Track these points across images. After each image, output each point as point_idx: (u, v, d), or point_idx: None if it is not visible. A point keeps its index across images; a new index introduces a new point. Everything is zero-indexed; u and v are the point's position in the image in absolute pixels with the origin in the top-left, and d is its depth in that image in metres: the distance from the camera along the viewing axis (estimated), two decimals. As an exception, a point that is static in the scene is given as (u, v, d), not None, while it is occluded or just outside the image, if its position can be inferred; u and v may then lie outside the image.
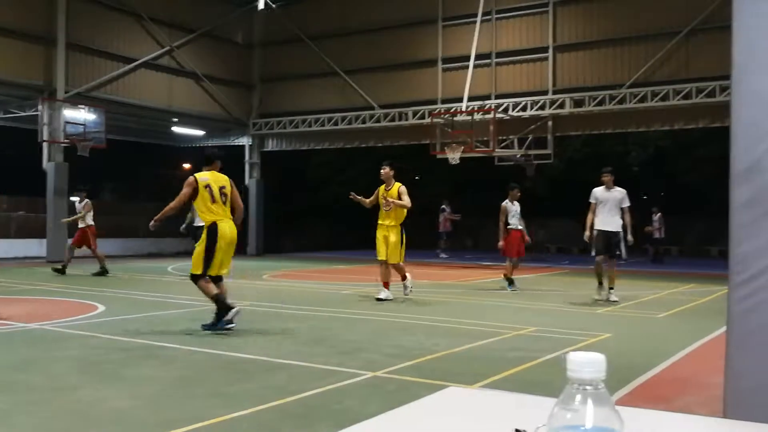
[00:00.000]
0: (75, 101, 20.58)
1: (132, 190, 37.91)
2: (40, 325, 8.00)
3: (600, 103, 19.89)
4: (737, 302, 3.23)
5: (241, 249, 25.86)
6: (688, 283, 15.53)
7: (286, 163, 32.54)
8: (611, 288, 11.25)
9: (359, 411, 4.51)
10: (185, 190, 7.93)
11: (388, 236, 11.05)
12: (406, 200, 11.06)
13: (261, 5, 25.49)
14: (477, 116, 20.34)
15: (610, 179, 11.12)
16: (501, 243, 13.29)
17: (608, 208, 11.01)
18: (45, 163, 20.31)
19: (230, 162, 30.39)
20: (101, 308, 9.63)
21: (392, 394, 5.02)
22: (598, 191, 11.15)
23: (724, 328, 3.57)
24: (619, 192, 11.05)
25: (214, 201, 7.88)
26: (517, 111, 21.05)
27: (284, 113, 25.37)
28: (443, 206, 25.95)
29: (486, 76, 21.67)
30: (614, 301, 10.99)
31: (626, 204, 11.03)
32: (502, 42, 21.68)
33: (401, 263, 11.23)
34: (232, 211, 8.19)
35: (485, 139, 20.09)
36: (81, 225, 15.28)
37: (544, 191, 32.24)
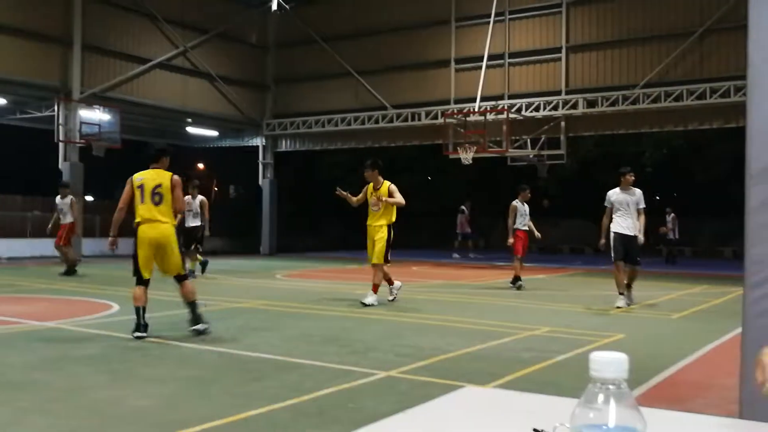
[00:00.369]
0: (90, 102, 20.73)
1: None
2: (57, 324, 8.07)
3: (613, 104, 19.81)
4: (752, 304, 3.22)
5: (254, 248, 26.11)
6: (702, 284, 15.44)
7: (299, 163, 32.62)
8: (629, 285, 10.68)
9: (373, 411, 4.52)
10: (125, 189, 7.60)
11: (376, 238, 10.62)
12: (399, 197, 10.69)
13: (275, 6, 25.57)
14: (490, 116, 20.31)
15: (632, 179, 10.60)
16: (511, 240, 13.45)
17: (627, 210, 10.44)
18: (61, 163, 20.48)
19: (244, 162, 30.59)
20: (116, 307, 9.69)
21: (406, 394, 5.03)
22: (614, 194, 10.57)
23: (738, 330, 3.56)
24: (636, 193, 10.53)
25: (142, 202, 7.45)
26: (530, 111, 21.00)
27: (298, 114, 25.44)
28: (462, 207, 25.76)
29: (499, 77, 21.64)
30: (628, 304, 10.49)
31: (642, 205, 10.54)
32: (515, 42, 21.64)
33: (385, 266, 10.67)
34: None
35: (498, 139, 20.07)
36: (63, 221, 15.17)
37: (556, 191, 32.15)
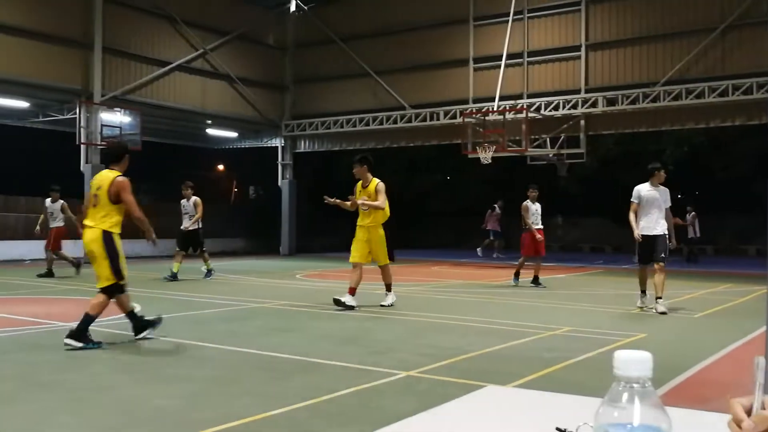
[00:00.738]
0: (111, 104, 20.92)
1: (166, 192, 38.38)
2: (80, 325, 8.13)
3: (633, 102, 19.66)
4: (777, 302, 3.18)
5: (273, 249, 26.21)
6: (725, 282, 15.29)
7: (318, 163, 32.71)
8: (659, 297, 9.75)
9: (394, 410, 4.53)
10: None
11: (370, 238, 10.11)
12: (381, 200, 9.96)
13: (293, 7, 25.66)
14: (509, 116, 20.24)
15: (665, 176, 10.00)
16: (540, 237, 13.59)
17: (653, 209, 9.80)
18: (82, 165, 20.69)
19: (263, 163, 30.69)
20: (137, 308, 9.76)
21: (426, 394, 5.03)
22: (643, 189, 9.88)
23: (763, 329, 3.53)
24: (664, 191, 9.95)
25: (87, 206, 7.01)
26: (550, 110, 20.90)
27: (316, 114, 25.50)
28: (495, 205, 25.50)
29: (518, 75, 21.55)
30: (662, 312, 9.63)
31: (668, 204, 9.98)
32: (534, 41, 21.54)
33: (389, 266, 10.26)
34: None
35: (517, 138, 20.00)
36: (52, 225, 15.20)
37: (576, 190, 31.98)
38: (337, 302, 9.72)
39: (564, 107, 20.73)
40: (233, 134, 27.88)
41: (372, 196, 10.04)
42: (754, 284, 14.09)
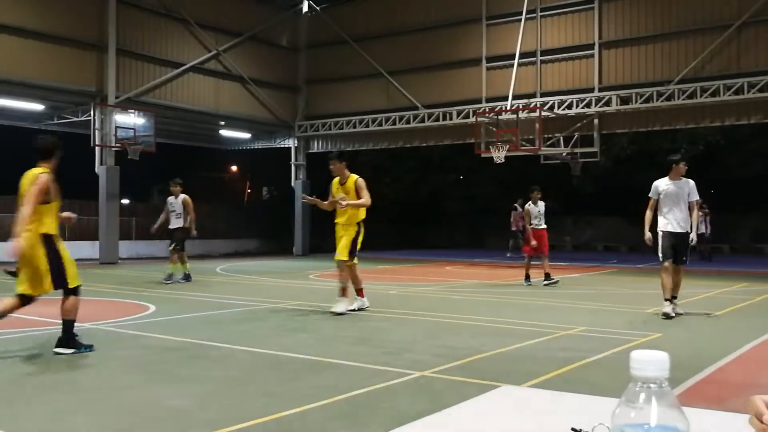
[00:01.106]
0: (125, 106, 21.04)
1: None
2: (95, 326, 8.19)
3: (647, 100, 19.54)
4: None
5: (287, 249, 26.28)
6: (741, 281, 15.18)
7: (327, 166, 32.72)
8: (674, 297, 9.34)
9: (408, 410, 4.52)
10: None
11: (344, 235, 9.63)
12: (365, 198, 9.38)
13: (305, 8, 25.71)
14: (522, 115, 20.18)
15: (685, 168, 9.33)
16: (534, 243, 13.93)
17: (675, 204, 9.13)
18: (97, 167, 20.83)
19: (277, 164, 30.80)
20: (152, 308, 9.82)
21: (440, 394, 5.02)
22: (662, 184, 9.25)
23: (781, 328, 3.49)
24: (687, 184, 9.23)
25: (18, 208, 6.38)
26: (563, 109, 20.82)
27: (329, 115, 25.54)
28: (516, 204, 25.36)
29: (531, 74, 21.49)
30: (678, 314, 9.21)
31: (695, 197, 9.26)
32: (547, 40, 21.46)
33: (353, 265, 9.70)
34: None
35: (530, 137, 19.94)
36: None
37: (590, 189, 31.86)
38: (352, 310, 9.46)
39: (577, 106, 20.64)
40: (246, 135, 27.97)
41: (351, 193, 9.43)
42: (771, 283, 13.96)
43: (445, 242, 35.96)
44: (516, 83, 20.54)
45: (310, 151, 26.99)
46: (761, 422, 0.89)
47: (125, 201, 26.05)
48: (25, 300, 6.41)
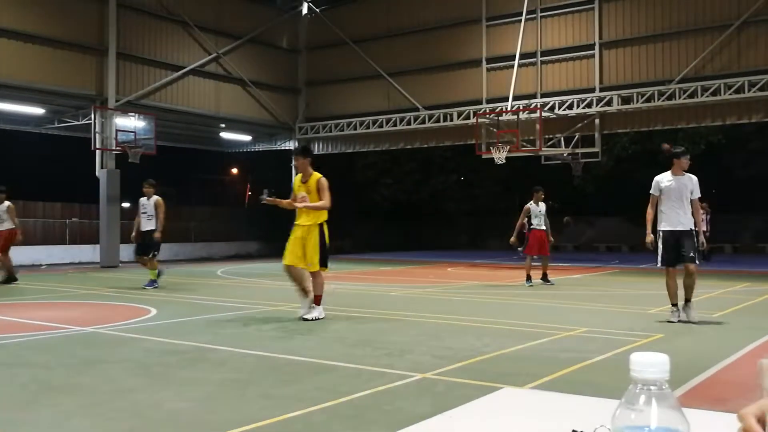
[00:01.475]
0: (126, 109, 21.07)
1: (182, 196, 38.63)
2: (96, 329, 8.19)
3: (648, 100, 19.54)
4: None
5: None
6: (743, 281, 15.16)
7: (332, 166, 32.77)
8: (688, 300, 8.60)
9: (410, 412, 4.51)
10: None
11: (305, 237, 8.89)
12: (325, 200, 8.79)
13: (305, 10, 25.72)
14: (523, 115, 20.19)
15: (688, 163, 8.69)
16: (513, 239, 14.33)
17: (677, 201, 8.51)
18: (98, 171, 20.85)
19: (278, 166, 30.89)
20: (154, 311, 9.82)
21: (442, 396, 5.01)
22: (664, 180, 8.63)
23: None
24: (690, 180, 8.61)
25: None
26: (564, 109, 20.83)
27: (330, 116, 25.56)
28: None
29: (531, 75, 21.50)
30: (691, 321, 8.50)
31: (697, 194, 8.64)
32: (547, 40, 21.48)
33: (322, 273, 9.07)
34: None
35: (531, 138, 19.94)
36: (0, 228, 14.02)
37: (591, 189, 31.87)
38: (305, 319, 8.77)
39: (578, 106, 20.65)
40: (247, 137, 28.00)
41: (312, 192, 8.83)
42: (773, 283, 13.94)
43: (446, 243, 35.96)
44: (516, 84, 20.55)
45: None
46: None
47: (126, 204, 26.04)
48: None
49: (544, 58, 21.52)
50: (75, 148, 24.72)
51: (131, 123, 21.09)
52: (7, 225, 14.08)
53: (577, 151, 21.34)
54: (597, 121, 20.76)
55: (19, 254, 21.22)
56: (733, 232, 28.66)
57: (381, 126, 24.03)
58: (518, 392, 1.96)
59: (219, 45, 23.81)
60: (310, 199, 8.83)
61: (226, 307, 10.39)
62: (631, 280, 16.23)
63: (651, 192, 8.69)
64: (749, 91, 18.05)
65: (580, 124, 20.92)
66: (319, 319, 8.82)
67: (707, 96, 18.64)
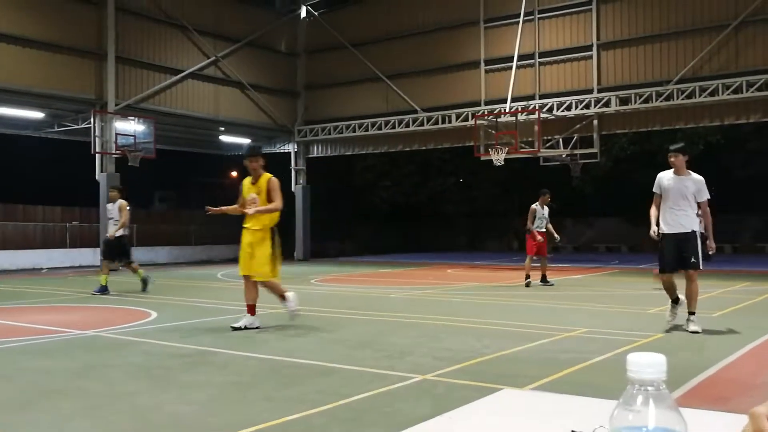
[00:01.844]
0: (125, 113, 21.08)
1: (181, 199, 38.60)
2: (97, 333, 8.20)
3: (646, 100, 19.56)
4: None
5: (288, 254, 26.25)
6: (743, 281, 15.18)
7: (331, 168, 32.81)
8: (691, 313, 7.99)
9: (410, 414, 4.51)
10: None
11: (252, 242, 8.36)
12: (276, 201, 8.28)
13: (303, 13, 25.74)
14: (521, 117, 20.21)
15: (682, 161, 7.97)
16: (540, 238, 14.20)
17: (676, 202, 7.93)
18: (98, 174, 20.85)
19: (276, 169, 30.91)
20: (154, 315, 9.82)
21: (443, 397, 5.01)
22: (664, 178, 8.05)
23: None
24: (692, 180, 7.99)
25: None
26: (562, 110, 20.84)
27: (329, 119, 25.57)
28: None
29: (529, 77, 21.51)
30: (695, 331, 7.84)
31: (705, 197, 8.04)
32: (545, 41, 21.49)
33: (274, 279, 8.55)
34: None
35: (530, 139, 19.95)
36: None
37: (590, 190, 31.88)
38: (236, 329, 8.21)
39: (576, 107, 20.67)
40: (246, 140, 27.97)
41: (262, 193, 8.33)
42: (773, 282, 13.95)
43: (445, 245, 35.96)
44: (514, 85, 20.57)
45: (310, 155, 27.00)
46: None
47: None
48: None
49: (542, 60, 21.53)
50: (75, 152, 24.71)
51: (131, 127, 21.10)
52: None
53: (576, 152, 21.35)
54: (595, 122, 20.77)
55: (19, 258, 21.26)
56: (733, 232, 28.67)
57: (380, 128, 24.05)
58: (518, 393, 1.97)
59: (218, 48, 23.82)
60: (260, 199, 8.32)
61: (226, 310, 10.39)
62: (631, 280, 16.23)
63: (653, 190, 8.16)
64: (747, 91, 18.07)
65: (578, 125, 20.93)
66: (249, 328, 8.22)
67: (705, 96, 18.65)
